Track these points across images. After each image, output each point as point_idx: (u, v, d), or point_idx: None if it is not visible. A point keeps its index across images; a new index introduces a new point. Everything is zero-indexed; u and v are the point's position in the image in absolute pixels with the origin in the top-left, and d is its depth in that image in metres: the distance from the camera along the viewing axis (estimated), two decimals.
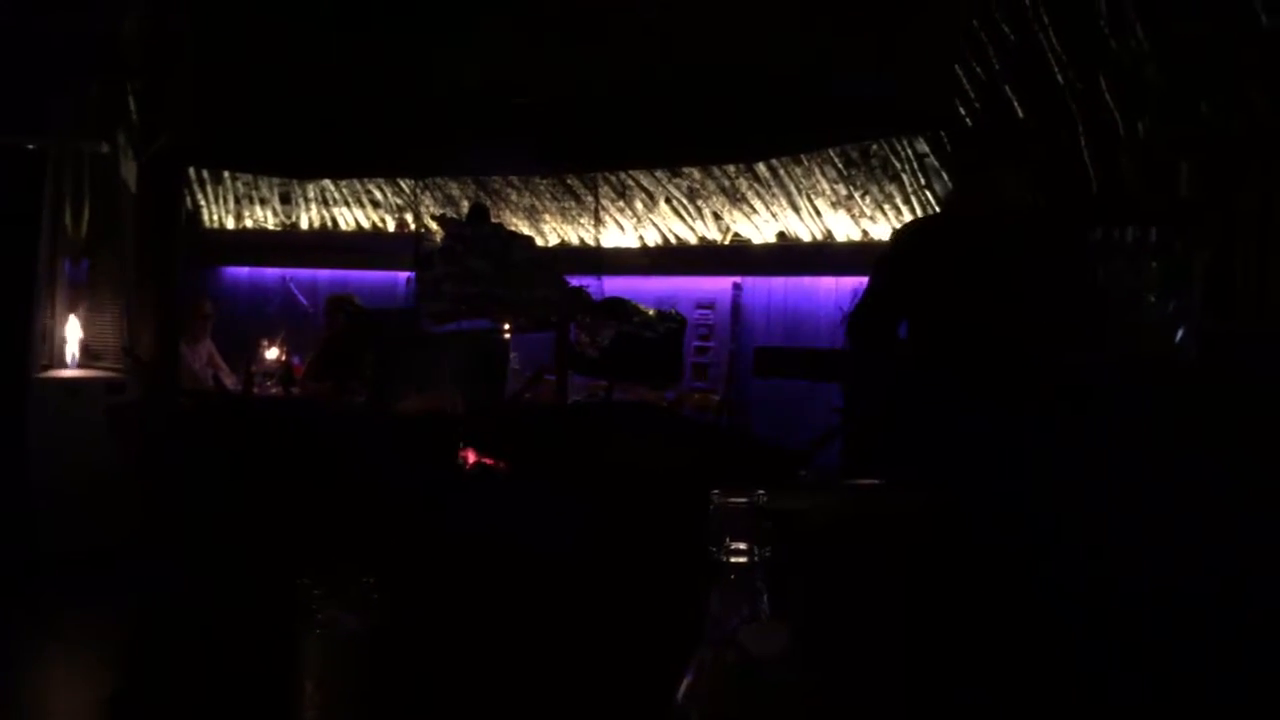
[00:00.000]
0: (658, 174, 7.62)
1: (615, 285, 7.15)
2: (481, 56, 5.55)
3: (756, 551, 0.99)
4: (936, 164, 6.66)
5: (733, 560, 0.99)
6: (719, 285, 7.79)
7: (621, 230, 8.07)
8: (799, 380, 5.65)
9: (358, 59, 5.98)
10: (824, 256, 7.34)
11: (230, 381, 7.58)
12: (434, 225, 7.41)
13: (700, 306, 7.78)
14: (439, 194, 8.52)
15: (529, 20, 5.23)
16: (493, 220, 7.18)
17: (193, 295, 8.00)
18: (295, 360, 7.71)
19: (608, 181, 7.86)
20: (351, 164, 7.91)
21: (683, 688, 0.97)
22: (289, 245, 9.17)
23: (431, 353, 4.32)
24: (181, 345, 7.42)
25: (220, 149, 7.31)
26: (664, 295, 7.63)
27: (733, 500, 1.01)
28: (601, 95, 5.20)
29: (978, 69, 6.10)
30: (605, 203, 8.00)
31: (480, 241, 4.21)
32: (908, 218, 7.00)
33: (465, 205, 8.38)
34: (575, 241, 8.25)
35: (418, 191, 8.54)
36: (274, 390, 7.27)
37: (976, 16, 5.85)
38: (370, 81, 5.68)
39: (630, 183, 7.80)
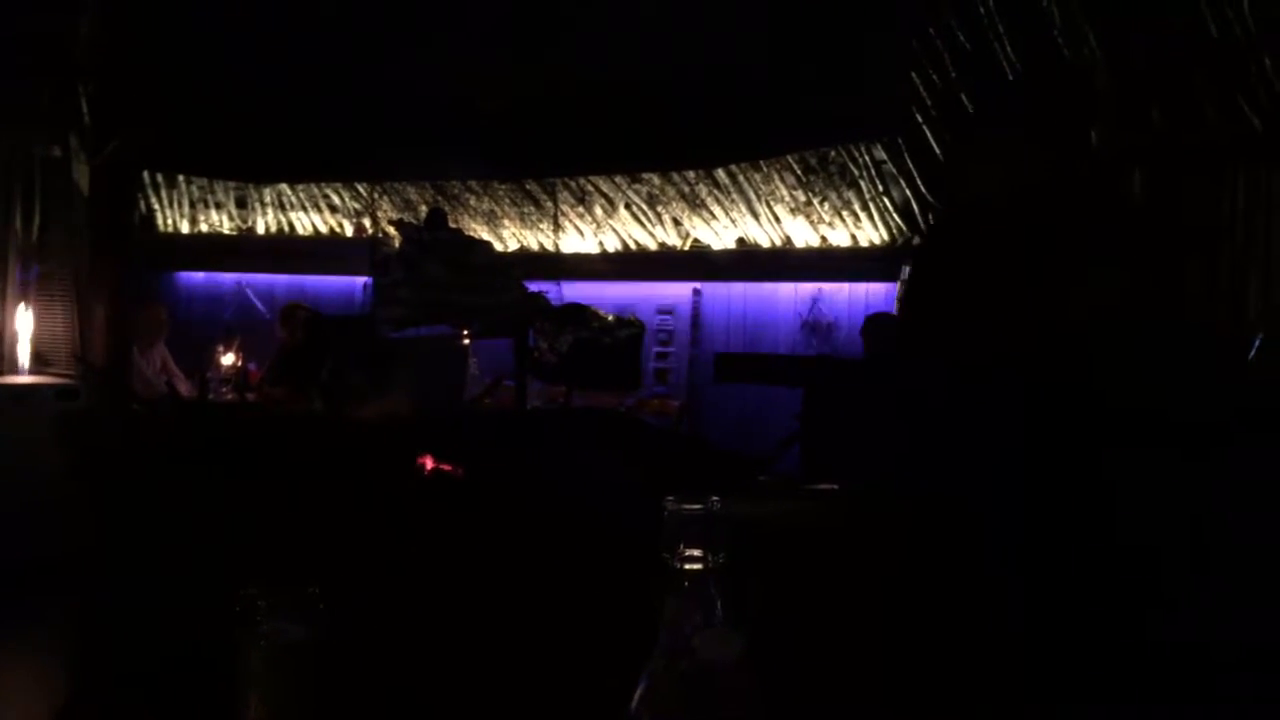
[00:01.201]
0: (617, 179, 7.61)
1: (575, 291, 7.15)
2: (441, 62, 5.53)
3: (711, 559, 0.98)
4: (894, 170, 6.72)
5: (687, 567, 0.98)
6: (679, 291, 7.79)
7: (581, 236, 8.06)
8: (759, 386, 5.67)
9: (316, 64, 5.93)
10: (783, 262, 7.37)
11: (184, 388, 7.49)
12: (391, 230, 7.36)
13: (660, 312, 7.78)
14: (397, 198, 8.48)
15: (489, 26, 5.21)
16: (451, 225, 7.14)
17: (146, 300, 7.89)
18: (251, 366, 7.62)
19: (567, 187, 7.85)
20: (308, 168, 7.84)
21: (637, 695, 0.96)
22: (245, 250, 9.07)
23: (389, 359, 4.29)
24: (134, 351, 7.32)
25: (175, 153, 7.22)
26: (623, 301, 7.63)
27: (687, 507, 1.00)
28: (561, 101, 5.18)
29: (934, 76, 6.16)
30: (564, 208, 7.98)
31: (438, 247, 4.18)
32: (865, 224, 7.05)
33: (424, 209, 8.33)
34: (535, 247, 8.22)
35: (375, 196, 8.48)
36: (229, 396, 7.19)
37: (933, 24, 5.90)
38: (328, 86, 5.64)
39: (590, 188, 7.79)
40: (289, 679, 0.66)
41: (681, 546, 0.98)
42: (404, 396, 4.35)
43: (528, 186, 7.96)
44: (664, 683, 0.94)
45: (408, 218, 8.21)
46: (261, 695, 0.67)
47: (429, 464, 3.93)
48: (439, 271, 4.06)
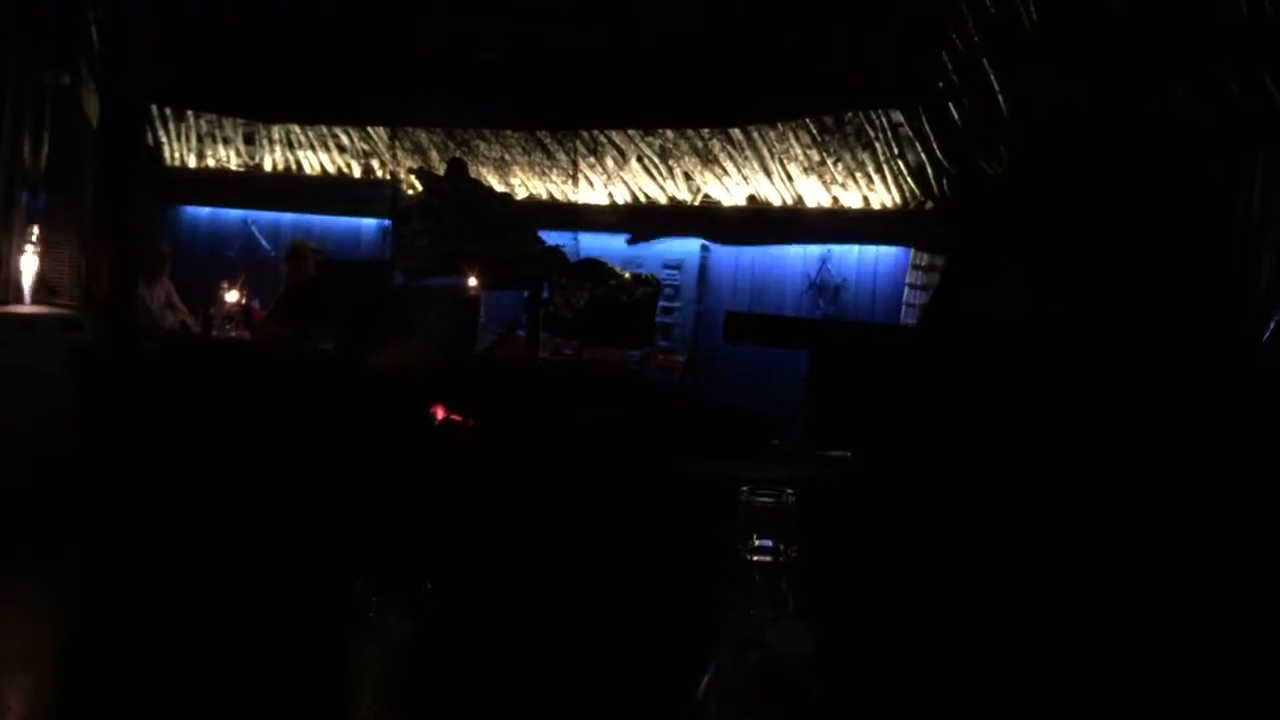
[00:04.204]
0: (630, 132, 7.55)
1: (584, 242, 7.13)
2: (459, 7, 5.46)
3: (783, 551, 0.98)
4: (910, 133, 6.67)
5: (758, 559, 0.98)
6: (687, 246, 7.76)
7: (591, 187, 8.01)
8: (767, 346, 5.67)
9: (331, 3, 5.86)
10: (794, 222, 7.34)
11: (189, 323, 7.48)
12: (411, 178, 7.31)
13: (667, 266, 7.75)
14: (407, 142, 8.41)
15: None
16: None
17: (151, 234, 7.85)
18: (255, 304, 7.60)
19: (579, 137, 7.79)
20: (320, 110, 7.77)
21: (704, 683, 0.97)
22: (251, 187, 9.01)
23: (402, 306, 4.28)
24: (139, 285, 7.29)
25: (185, 87, 7.14)
26: (631, 253, 7.60)
27: (759, 498, 1.00)
28: (580, 53, 5.13)
29: (956, 40, 6.10)
30: (574, 157, 7.93)
31: (458, 198, 4.15)
32: (879, 186, 7.01)
33: (434, 154, 8.27)
34: (544, 195, 8.18)
35: (395, 140, 8.41)
36: (233, 334, 7.18)
37: None
38: (344, 30, 5.57)
39: (602, 139, 7.73)
40: (399, 674, 0.67)
41: (753, 537, 0.98)
42: (415, 345, 4.35)
43: (539, 135, 7.90)
44: (733, 674, 0.95)
45: (417, 162, 8.16)
46: (372, 690, 0.67)
47: (440, 414, 3.95)
48: (458, 223, 4.04)
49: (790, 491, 1.00)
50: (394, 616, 0.68)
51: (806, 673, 0.93)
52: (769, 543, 0.99)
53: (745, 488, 1.00)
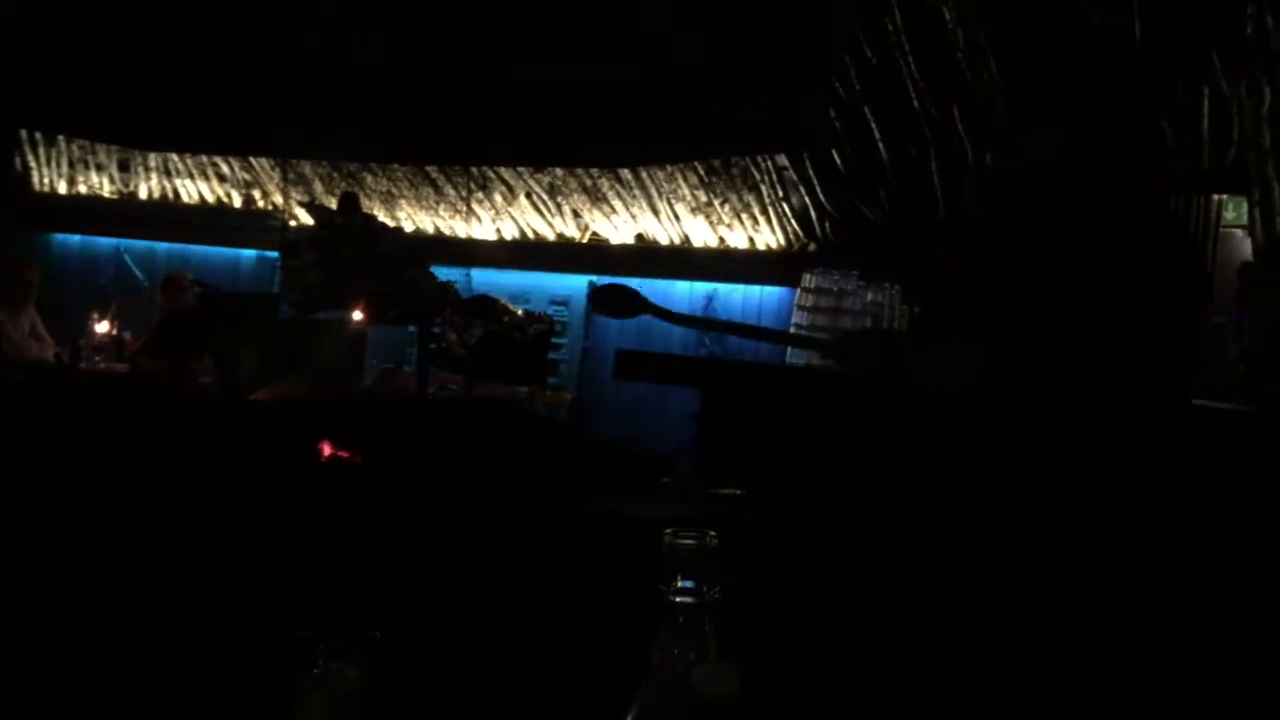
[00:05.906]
0: (519, 168, 7.58)
1: (475, 278, 7.09)
2: (348, 40, 5.42)
3: (706, 592, 1.00)
4: (794, 177, 6.83)
5: (680, 600, 1.01)
6: (574, 282, 7.78)
7: (479, 222, 8.00)
8: (656, 383, 5.71)
9: (215, 29, 5.75)
10: (681, 260, 7.43)
11: (59, 353, 7.20)
12: (297, 210, 7.18)
13: (554, 303, 7.76)
14: (292, 173, 8.28)
15: (402, 13, 5.13)
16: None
17: (16, 261, 7.55)
18: (126, 335, 7.37)
19: (467, 172, 7.79)
20: (200, 138, 7.59)
21: None
22: (125, 215, 8.75)
23: (288, 340, 4.20)
24: (1, 314, 7.00)
25: (57, 113, 6.92)
26: (518, 289, 7.59)
27: (682, 540, 1.02)
28: (470, 89, 5.14)
29: (840, 90, 6.29)
30: (462, 193, 7.91)
31: (351, 232, 4.11)
32: (764, 228, 7.16)
33: (318, 184, 8.16)
34: (431, 230, 8.13)
35: (272, 168, 8.25)
36: (102, 365, 6.95)
37: (843, 40, 6.02)
38: (234, 61, 5.48)
39: (491, 175, 7.74)
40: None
41: (677, 579, 1.00)
42: (301, 380, 4.28)
43: (428, 169, 7.86)
44: (657, 716, 0.96)
45: (302, 193, 8.04)
46: None
47: (327, 450, 3.88)
48: (350, 257, 3.99)
49: (713, 534, 1.02)
50: (342, 666, 0.67)
51: (731, 715, 0.95)
52: (692, 584, 1.01)
53: (669, 530, 1.02)
